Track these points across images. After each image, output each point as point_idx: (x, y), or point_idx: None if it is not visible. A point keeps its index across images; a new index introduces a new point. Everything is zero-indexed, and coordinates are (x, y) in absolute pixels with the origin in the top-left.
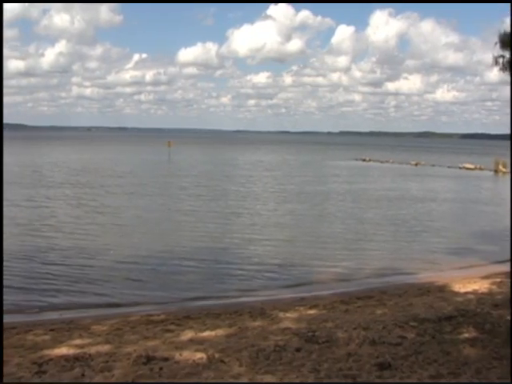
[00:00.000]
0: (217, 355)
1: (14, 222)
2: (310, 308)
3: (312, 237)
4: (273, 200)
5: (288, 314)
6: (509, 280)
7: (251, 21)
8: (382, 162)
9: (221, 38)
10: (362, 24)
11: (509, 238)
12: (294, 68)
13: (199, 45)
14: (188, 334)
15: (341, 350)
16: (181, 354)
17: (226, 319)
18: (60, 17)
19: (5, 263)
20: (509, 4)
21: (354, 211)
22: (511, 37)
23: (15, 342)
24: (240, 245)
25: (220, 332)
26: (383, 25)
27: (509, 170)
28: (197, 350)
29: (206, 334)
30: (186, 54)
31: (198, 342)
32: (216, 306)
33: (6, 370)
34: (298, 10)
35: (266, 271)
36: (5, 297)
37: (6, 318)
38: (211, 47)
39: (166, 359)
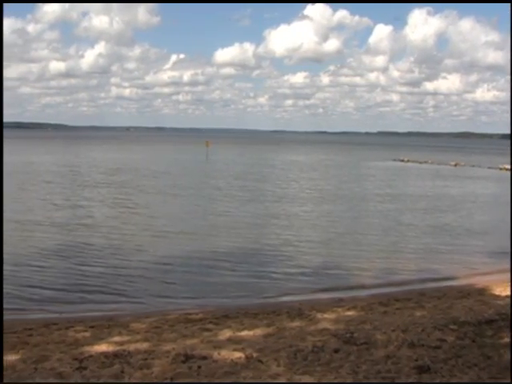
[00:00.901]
0: (255, 355)
1: (51, 221)
2: (348, 309)
3: (349, 239)
4: (309, 201)
5: (326, 315)
6: None
7: (288, 21)
8: (420, 163)
9: (258, 39)
10: (399, 23)
11: None
12: (332, 68)
13: (236, 45)
14: (226, 334)
15: (379, 352)
16: (219, 353)
17: (263, 319)
18: (99, 19)
19: (42, 263)
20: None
21: (392, 213)
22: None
23: (56, 338)
24: (277, 246)
25: (258, 332)
26: (421, 24)
27: None
28: (235, 350)
29: (244, 333)
30: (223, 55)
31: (236, 342)
32: (254, 305)
33: (47, 365)
34: (335, 10)
35: (303, 273)
36: (34, 303)
37: (44, 315)
38: (248, 47)
39: (204, 358)
